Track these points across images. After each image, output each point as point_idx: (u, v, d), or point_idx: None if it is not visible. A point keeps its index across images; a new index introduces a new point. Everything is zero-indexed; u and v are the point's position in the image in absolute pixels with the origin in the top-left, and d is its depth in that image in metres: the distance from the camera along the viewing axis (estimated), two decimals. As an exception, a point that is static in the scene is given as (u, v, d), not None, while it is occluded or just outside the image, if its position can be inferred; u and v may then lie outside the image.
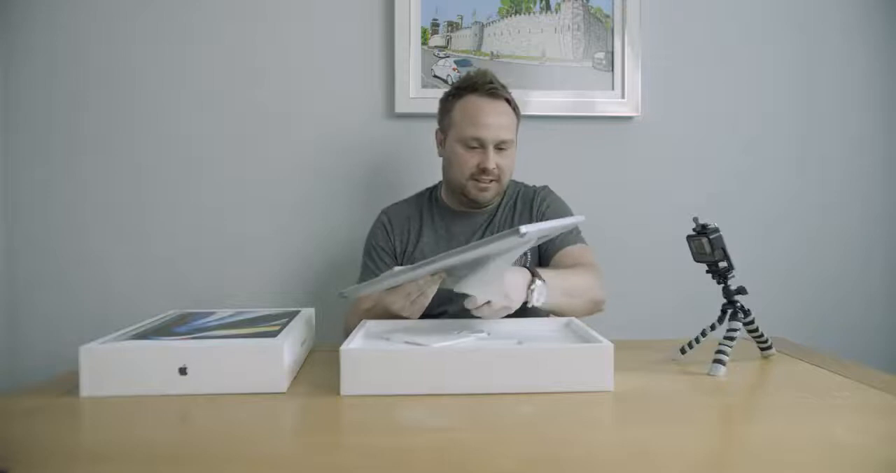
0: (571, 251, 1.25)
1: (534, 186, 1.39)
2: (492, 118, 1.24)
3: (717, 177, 1.67)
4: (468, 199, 1.29)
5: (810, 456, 0.61)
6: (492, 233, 1.31)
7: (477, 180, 1.25)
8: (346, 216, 1.60)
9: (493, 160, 1.24)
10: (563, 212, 1.35)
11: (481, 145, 1.24)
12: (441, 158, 1.33)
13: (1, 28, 1.54)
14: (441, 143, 1.33)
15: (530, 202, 1.35)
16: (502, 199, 1.35)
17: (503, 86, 1.27)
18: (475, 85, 1.26)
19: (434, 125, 1.34)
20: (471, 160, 1.25)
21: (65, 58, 1.56)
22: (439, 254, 0.87)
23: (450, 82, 1.57)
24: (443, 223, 1.33)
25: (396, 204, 1.40)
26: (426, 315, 1.04)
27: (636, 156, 1.66)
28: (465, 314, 0.97)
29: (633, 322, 1.51)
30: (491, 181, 1.26)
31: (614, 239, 1.62)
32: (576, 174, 1.64)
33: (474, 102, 1.25)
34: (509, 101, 1.27)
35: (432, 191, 1.40)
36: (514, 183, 1.40)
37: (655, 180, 1.66)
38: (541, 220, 1.31)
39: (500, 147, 1.25)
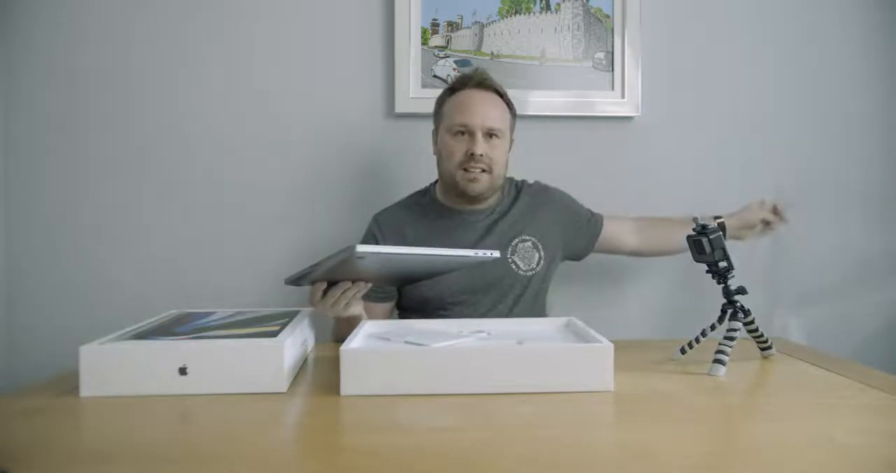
0: (613, 219, 1.42)
1: (523, 181, 1.41)
2: (480, 106, 1.24)
3: (717, 177, 1.67)
4: (460, 193, 1.27)
5: (810, 456, 0.61)
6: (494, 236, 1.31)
7: (466, 170, 1.24)
8: (346, 215, 1.60)
9: (481, 146, 1.22)
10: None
11: (469, 132, 1.23)
12: (436, 157, 1.32)
13: (1, 28, 1.54)
14: (435, 141, 1.32)
15: (547, 199, 1.37)
16: (502, 200, 1.34)
17: (498, 85, 1.28)
18: (467, 81, 1.27)
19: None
20: (459, 147, 1.24)
21: (65, 58, 1.56)
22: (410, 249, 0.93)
23: (449, 82, 1.57)
24: (440, 222, 1.31)
25: (388, 208, 1.37)
26: (428, 314, 1.04)
27: (636, 156, 1.66)
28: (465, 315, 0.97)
29: (633, 322, 1.51)
30: (482, 171, 1.24)
31: (614, 239, 1.62)
32: (576, 174, 1.63)
33: (464, 94, 1.26)
34: (502, 96, 1.28)
35: (426, 192, 1.38)
36: (508, 179, 1.38)
37: (655, 180, 1.66)
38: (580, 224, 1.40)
39: (490, 134, 1.24)
